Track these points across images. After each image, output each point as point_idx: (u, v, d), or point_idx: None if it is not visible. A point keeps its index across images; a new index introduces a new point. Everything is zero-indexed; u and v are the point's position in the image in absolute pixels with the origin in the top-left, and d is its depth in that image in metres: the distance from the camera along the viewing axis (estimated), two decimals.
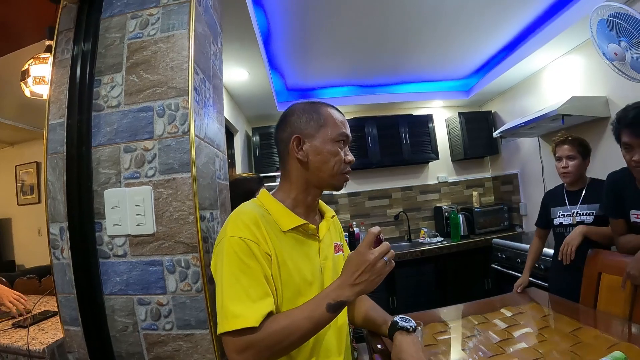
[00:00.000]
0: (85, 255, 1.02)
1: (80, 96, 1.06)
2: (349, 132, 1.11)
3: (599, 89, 2.77)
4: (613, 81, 2.59)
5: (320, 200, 1.20)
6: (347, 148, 1.11)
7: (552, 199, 2.30)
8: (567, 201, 2.19)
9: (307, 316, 0.88)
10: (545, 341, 1.31)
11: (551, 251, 2.31)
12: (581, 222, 2.07)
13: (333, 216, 1.24)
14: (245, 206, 1.03)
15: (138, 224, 1.04)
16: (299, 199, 1.09)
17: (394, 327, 1.09)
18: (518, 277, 2.80)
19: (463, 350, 1.33)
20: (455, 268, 3.68)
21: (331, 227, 1.21)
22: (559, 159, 2.18)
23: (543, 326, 1.46)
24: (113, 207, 1.05)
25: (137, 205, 1.04)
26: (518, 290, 2.04)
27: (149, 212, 1.04)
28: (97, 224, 1.06)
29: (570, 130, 3.02)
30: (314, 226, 1.09)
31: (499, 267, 3.19)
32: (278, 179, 3.55)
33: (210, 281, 1.06)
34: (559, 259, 1.91)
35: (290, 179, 1.10)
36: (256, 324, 0.84)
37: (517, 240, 3.22)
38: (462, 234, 3.92)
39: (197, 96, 1.12)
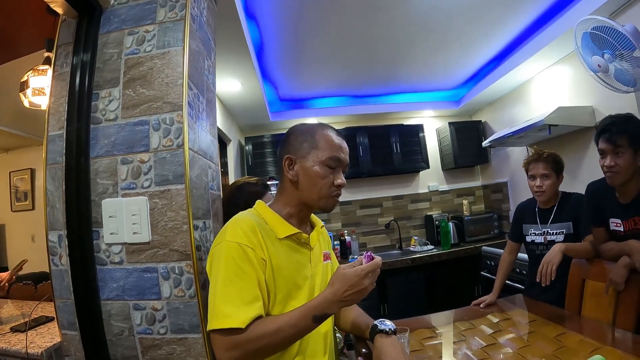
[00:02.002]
0: (83, 262, 1.06)
1: (79, 109, 1.11)
2: (342, 156, 1.13)
3: (586, 99, 2.81)
4: (599, 91, 2.61)
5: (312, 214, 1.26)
6: (339, 172, 1.14)
7: (525, 214, 2.24)
8: (538, 219, 2.14)
9: (293, 324, 0.93)
10: (529, 346, 1.35)
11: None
12: (552, 242, 2.02)
13: (322, 227, 1.31)
14: (244, 214, 1.09)
15: (134, 233, 1.09)
16: (292, 213, 1.15)
17: (374, 330, 1.13)
18: (506, 284, 2.84)
19: (450, 355, 1.37)
20: (445, 276, 3.72)
21: (320, 237, 1.27)
22: (532, 177, 2.10)
23: (528, 332, 1.50)
24: (110, 217, 1.09)
25: (133, 215, 1.09)
26: (481, 307, 1.93)
27: (145, 222, 1.09)
28: (94, 232, 1.10)
29: (556, 140, 3.10)
30: (307, 235, 1.15)
31: (489, 275, 3.23)
32: (273, 187, 3.54)
33: (203, 287, 1.10)
34: (537, 280, 1.78)
35: (285, 194, 1.16)
36: (243, 326, 0.89)
37: None
38: (453, 242, 3.96)
39: (190, 111, 1.17)
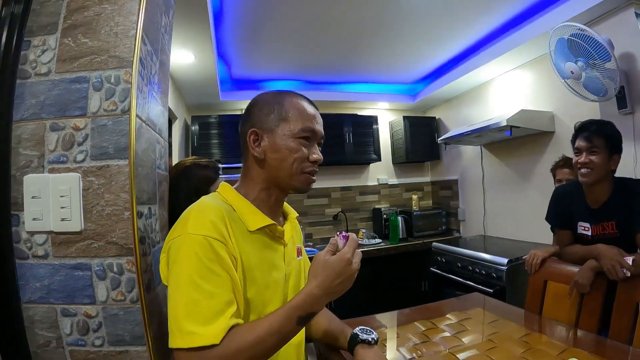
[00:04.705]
0: (0, 255, 0.82)
1: (4, 58, 0.85)
2: (317, 127, 0.97)
3: (546, 105, 2.89)
4: (560, 98, 2.72)
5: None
6: (315, 146, 0.98)
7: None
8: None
9: (275, 331, 0.77)
10: (496, 347, 1.31)
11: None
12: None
13: (297, 217, 1.13)
14: (209, 200, 0.90)
15: (62, 219, 0.87)
16: (261, 198, 0.97)
17: (355, 340, 1.01)
18: (457, 281, 2.85)
19: (414, 357, 1.28)
20: (393, 270, 3.70)
21: (294, 231, 1.10)
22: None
23: (491, 332, 1.46)
24: (33, 197, 0.86)
25: (62, 196, 0.87)
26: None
27: (76, 205, 0.87)
28: (14, 216, 0.86)
29: (513, 142, 3.16)
30: (282, 228, 0.98)
31: (438, 271, 3.23)
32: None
33: (147, 289, 0.91)
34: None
35: (251, 176, 0.98)
36: (216, 341, 0.72)
37: (454, 244, 3.29)
38: (401, 236, 3.96)
39: (142, 70, 0.96)
